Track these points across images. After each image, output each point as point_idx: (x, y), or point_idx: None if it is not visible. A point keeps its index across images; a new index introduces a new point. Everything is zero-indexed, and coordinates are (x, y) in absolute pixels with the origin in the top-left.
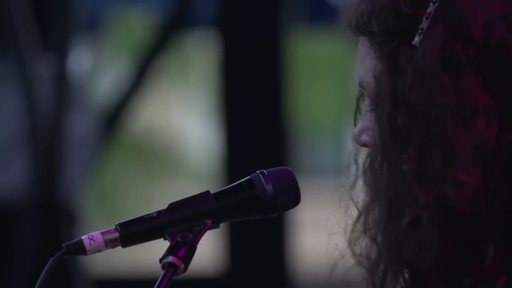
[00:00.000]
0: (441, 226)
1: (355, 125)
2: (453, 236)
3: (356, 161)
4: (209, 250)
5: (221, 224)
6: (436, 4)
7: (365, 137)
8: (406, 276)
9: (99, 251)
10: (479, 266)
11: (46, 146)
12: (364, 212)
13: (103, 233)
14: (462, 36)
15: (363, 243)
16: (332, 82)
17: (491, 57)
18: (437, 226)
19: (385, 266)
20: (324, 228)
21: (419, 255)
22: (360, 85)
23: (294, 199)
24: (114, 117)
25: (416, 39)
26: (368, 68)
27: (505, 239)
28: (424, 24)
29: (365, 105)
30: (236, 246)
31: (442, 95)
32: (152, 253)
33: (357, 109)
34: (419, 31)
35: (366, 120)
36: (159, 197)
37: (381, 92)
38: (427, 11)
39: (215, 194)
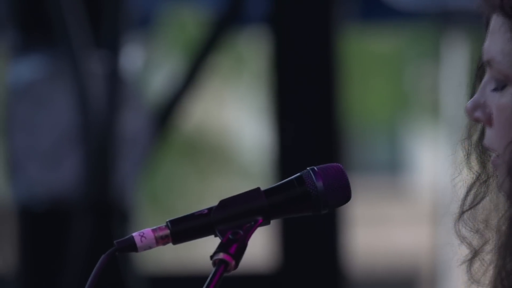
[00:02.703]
0: None
1: (472, 96)
2: None
3: (470, 136)
4: (261, 247)
5: (273, 221)
6: None
7: (479, 114)
8: None
9: (150, 248)
10: None
11: (99, 144)
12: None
13: (154, 230)
14: None
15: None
16: (385, 78)
17: None
18: None
19: None
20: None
21: None
22: (488, 62)
23: (345, 195)
24: (166, 115)
25: None
26: (503, 49)
27: None
28: None
29: (485, 81)
30: (289, 243)
31: None
32: (203, 250)
33: (476, 79)
34: None
35: (483, 96)
36: (211, 194)
37: None
38: None
39: (266, 191)
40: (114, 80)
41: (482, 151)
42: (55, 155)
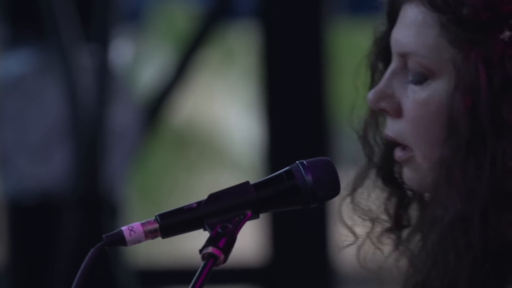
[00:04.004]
0: None
1: (372, 82)
2: None
3: (366, 134)
4: (251, 241)
5: (263, 215)
6: None
7: (385, 104)
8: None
9: (139, 242)
10: None
11: (89, 138)
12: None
13: (143, 224)
14: None
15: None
16: None
17: None
18: None
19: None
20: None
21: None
22: (405, 54)
23: (334, 189)
24: (156, 109)
25: (507, 33)
26: (428, 44)
27: None
28: None
29: (393, 71)
30: (278, 236)
31: None
32: (192, 243)
33: (375, 68)
34: (509, 26)
35: (390, 86)
36: (200, 188)
37: (470, 82)
38: None
39: (255, 185)
40: (104, 74)
41: (371, 141)
42: (44, 149)
